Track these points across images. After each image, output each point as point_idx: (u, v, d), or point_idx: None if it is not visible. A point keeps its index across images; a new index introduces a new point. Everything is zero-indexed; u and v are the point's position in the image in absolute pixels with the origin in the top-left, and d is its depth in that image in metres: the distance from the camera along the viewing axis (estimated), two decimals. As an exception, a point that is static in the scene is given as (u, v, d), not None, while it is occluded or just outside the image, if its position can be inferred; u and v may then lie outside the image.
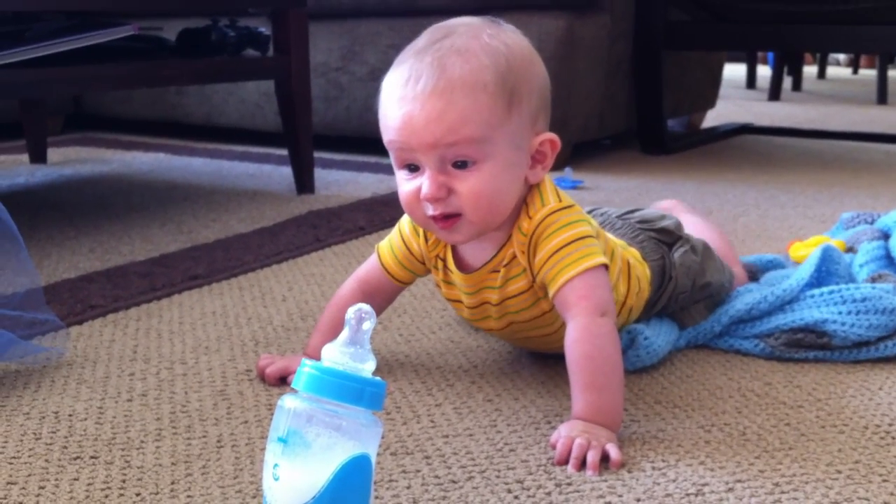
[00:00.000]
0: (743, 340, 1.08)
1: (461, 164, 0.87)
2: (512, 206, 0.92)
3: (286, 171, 2.18)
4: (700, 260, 1.10)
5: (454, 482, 0.78)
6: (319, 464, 0.63)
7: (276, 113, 2.25)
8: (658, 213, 1.16)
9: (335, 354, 0.65)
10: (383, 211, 1.81)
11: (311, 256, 1.52)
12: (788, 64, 5.12)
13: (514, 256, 0.94)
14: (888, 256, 1.25)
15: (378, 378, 0.66)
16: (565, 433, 0.83)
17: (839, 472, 0.80)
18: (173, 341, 1.12)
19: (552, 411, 0.92)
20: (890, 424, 0.89)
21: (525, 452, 0.83)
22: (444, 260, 0.99)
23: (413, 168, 0.89)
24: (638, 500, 0.75)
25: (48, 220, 1.78)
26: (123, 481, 0.78)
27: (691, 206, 1.48)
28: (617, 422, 0.86)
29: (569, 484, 0.78)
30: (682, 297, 1.09)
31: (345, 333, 0.66)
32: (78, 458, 0.82)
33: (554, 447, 0.83)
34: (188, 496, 0.76)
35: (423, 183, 0.88)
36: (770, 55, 5.42)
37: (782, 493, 0.76)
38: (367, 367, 0.66)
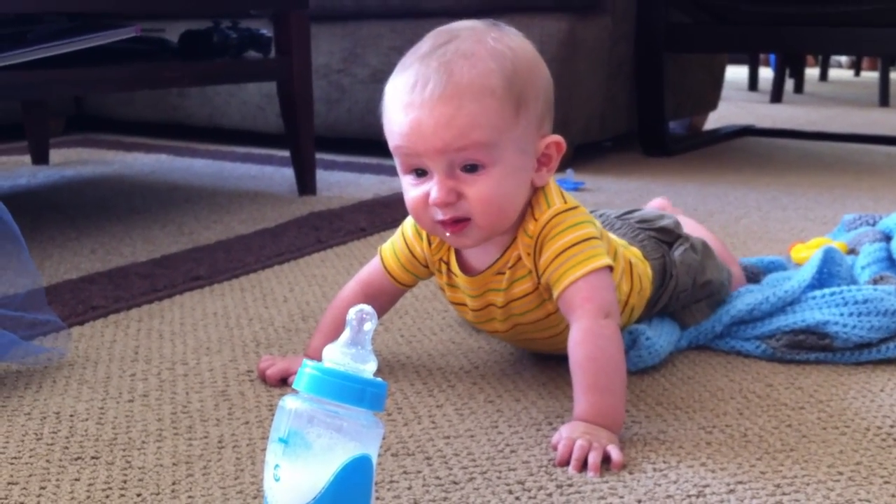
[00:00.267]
0: (744, 342, 1.08)
1: (470, 168, 0.87)
2: (519, 209, 0.92)
3: (288, 173, 2.18)
4: (700, 258, 1.10)
5: (455, 483, 0.78)
6: (320, 464, 0.63)
7: (277, 115, 2.25)
8: (656, 212, 1.16)
9: (336, 355, 0.65)
10: (385, 212, 1.81)
11: (312, 258, 1.52)
12: (790, 66, 5.12)
13: (519, 258, 0.94)
14: (890, 258, 1.25)
15: (379, 379, 0.65)
16: (567, 434, 0.83)
17: (841, 473, 0.80)
18: (174, 342, 1.12)
19: (553, 412, 0.92)
20: (891, 426, 0.89)
21: (526, 453, 0.83)
22: (447, 263, 0.99)
23: (420, 173, 0.89)
24: (639, 501, 0.75)
25: (50, 221, 1.78)
26: (124, 482, 0.78)
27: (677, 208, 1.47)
28: (619, 423, 0.86)
29: (570, 485, 0.78)
30: (684, 296, 1.09)
31: (346, 334, 0.66)
32: (79, 458, 0.82)
33: (555, 448, 0.83)
34: (189, 497, 0.76)
35: (432, 188, 0.87)
36: (772, 57, 5.41)
37: (783, 494, 0.76)
38: (369, 368, 0.66)
